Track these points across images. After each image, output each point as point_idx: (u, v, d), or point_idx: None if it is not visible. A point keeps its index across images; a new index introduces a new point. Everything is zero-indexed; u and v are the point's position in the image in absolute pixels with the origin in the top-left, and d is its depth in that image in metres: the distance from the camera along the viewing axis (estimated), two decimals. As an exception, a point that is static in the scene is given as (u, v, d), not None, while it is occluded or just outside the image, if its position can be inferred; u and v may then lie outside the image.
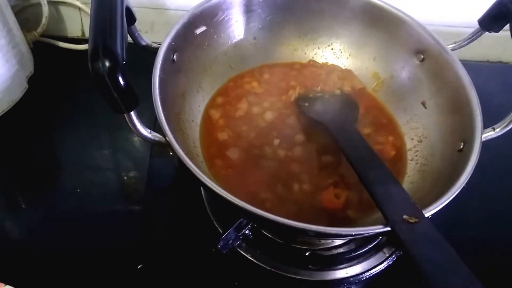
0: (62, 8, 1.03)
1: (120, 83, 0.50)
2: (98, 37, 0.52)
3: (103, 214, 0.79)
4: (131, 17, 0.65)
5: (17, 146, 0.86)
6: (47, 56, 1.00)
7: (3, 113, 0.87)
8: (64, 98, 0.94)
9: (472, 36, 0.79)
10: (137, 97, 0.54)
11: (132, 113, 0.55)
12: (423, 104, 0.81)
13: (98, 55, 0.50)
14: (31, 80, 0.93)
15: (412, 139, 0.81)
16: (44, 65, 0.97)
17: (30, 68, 0.94)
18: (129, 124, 0.57)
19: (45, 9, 0.98)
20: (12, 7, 0.91)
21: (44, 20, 0.99)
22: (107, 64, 0.49)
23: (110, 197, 0.82)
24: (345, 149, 0.70)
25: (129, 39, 0.65)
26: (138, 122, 0.57)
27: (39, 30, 0.99)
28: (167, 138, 0.60)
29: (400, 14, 0.81)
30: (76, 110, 0.93)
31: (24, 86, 0.91)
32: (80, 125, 0.91)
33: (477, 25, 0.77)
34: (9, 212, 0.79)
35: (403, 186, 0.73)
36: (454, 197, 0.60)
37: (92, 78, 0.50)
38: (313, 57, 0.91)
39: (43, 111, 0.91)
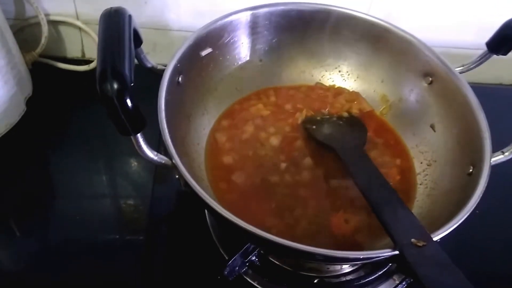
0: (62, 28, 1.05)
1: (128, 105, 0.52)
2: (107, 59, 0.54)
3: (104, 240, 0.80)
4: (137, 39, 0.67)
5: (14, 170, 0.86)
6: (46, 77, 1.01)
7: (1, 136, 0.88)
8: (63, 120, 0.96)
9: (480, 59, 0.81)
10: (144, 119, 0.56)
11: (138, 135, 0.57)
12: (432, 127, 0.83)
13: (106, 77, 0.52)
14: (29, 102, 0.93)
15: (421, 162, 0.83)
16: (43, 87, 0.98)
17: (28, 89, 0.95)
18: (136, 146, 0.58)
19: (45, 29, 0.99)
20: (11, 27, 0.92)
21: (43, 41, 1.00)
22: (115, 86, 0.51)
23: (111, 223, 0.83)
24: (353, 172, 0.72)
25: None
26: (144, 144, 0.59)
27: (38, 50, 1.00)
28: (173, 161, 0.62)
29: (407, 36, 0.84)
30: (76, 133, 0.94)
31: (22, 108, 0.92)
32: (80, 149, 0.92)
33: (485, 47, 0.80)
34: (3, 241, 0.80)
35: (413, 211, 0.74)
36: (463, 221, 0.61)
37: (100, 100, 0.52)
38: (320, 79, 0.93)
39: (41, 134, 0.92)
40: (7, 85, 0.87)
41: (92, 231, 0.80)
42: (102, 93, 0.52)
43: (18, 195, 0.84)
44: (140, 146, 0.59)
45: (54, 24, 1.04)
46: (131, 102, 0.53)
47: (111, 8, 0.61)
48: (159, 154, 0.62)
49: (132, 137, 0.57)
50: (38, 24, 1.00)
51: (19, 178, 0.86)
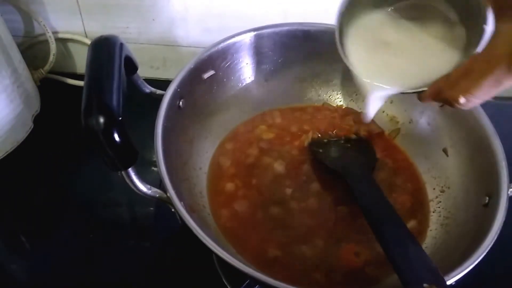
0: (71, 45, 1.01)
1: (115, 140, 0.48)
2: (93, 92, 0.50)
3: (107, 260, 0.75)
4: (132, 66, 0.63)
5: (21, 188, 0.83)
6: (55, 93, 0.97)
7: (6, 154, 0.85)
8: (72, 136, 0.91)
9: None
10: (136, 152, 0.52)
11: (130, 169, 0.53)
12: (445, 151, 0.76)
13: (92, 111, 0.48)
14: (37, 119, 0.90)
15: (434, 188, 0.76)
16: (51, 103, 0.95)
17: (36, 107, 0.92)
18: (127, 181, 0.54)
19: (53, 46, 0.96)
20: (20, 44, 0.91)
21: (51, 58, 0.97)
22: (101, 120, 0.47)
23: (117, 241, 0.78)
24: (361, 203, 0.66)
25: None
26: (136, 178, 0.54)
27: (47, 67, 0.97)
28: (168, 194, 0.57)
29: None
30: (84, 148, 0.89)
31: (29, 125, 0.89)
32: (87, 164, 0.87)
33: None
34: (13, 256, 0.77)
35: (426, 241, 0.70)
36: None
37: (85, 135, 0.48)
38: (327, 100, 0.87)
39: (49, 151, 0.89)
40: (12, 104, 0.83)
41: (98, 247, 0.77)
42: (87, 128, 0.48)
43: (26, 211, 0.81)
44: (132, 181, 0.55)
45: (63, 41, 1.00)
46: (119, 136, 0.49)
47: (101, 36, 0.57)
48: (152, 188, 0.57)
49: (122, 172, 0.52)
50: (46, 42, 0.96)
51: (27, 195, 0.82)
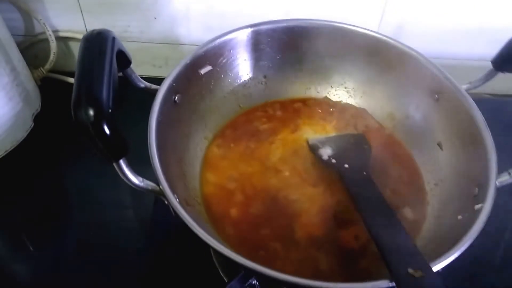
0: (72, 44, 1.02)
1: (105, 132, 0.48)
2: (83, 84, 0.50)
3: (106, 256, 0.75)
4: (125, 60, 0.63)
5: (21, 187, 0.83)
6: (56, 92, 0.95)
7: (6, 153, 0.85)
8: (71, 135, 0.90)
9: (486, 76, 0.74)
10: (126, 145, 0.52)
11: (121, 161, 0.53)
12: (440, 145, 0.76)
13: (81, 103, 0.48)
14: (37, 118, 0.91)
15: (429, 182, 0.76)
16: (52, 102, 0.94)
17: (36, 105, 0.92)
18: (119, 173, 0.54)
19: (53, 45, 0.96)
20: (20, 43, 0.91)
21: (52, 57, 0.97)
22: (91, 112, 0.47)
23: (117, 238, 0.78)
24: (353, 194, 0.67)
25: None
26: (127, 170, 0.54)
27: (47, 66, 0.97)
28: (160, 187, 0.57)
29: (413, 53, 0.77)
30: (84, 147, 0.89)
31: (29, 124, 0.89)
32: (88, 163, 0.86)
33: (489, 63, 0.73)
34: (14, 254, 0.77)
35: (420, 234, 0.70)
36: (473, 245, 0.55)
37: (76, 127, 0.48)
38: (326, 96, 0.87)
39: (49, 149, 0.89)
40: (12, 102, 0.83)
41: (99, 244, 0.77)
42: (77, 120, 0.48)
43: (27, 210, 0.81)
44: (123, 173, 0.54)
45: (64, 40, 1.00)
46: (109, 128, 0.48)
47: (94, 30, 0.57)
48: (145, 180, 0.57)
49: (114, 164, 0.53)
50: (47, 41, 0.97)
51: (27, 194, 0.83)
